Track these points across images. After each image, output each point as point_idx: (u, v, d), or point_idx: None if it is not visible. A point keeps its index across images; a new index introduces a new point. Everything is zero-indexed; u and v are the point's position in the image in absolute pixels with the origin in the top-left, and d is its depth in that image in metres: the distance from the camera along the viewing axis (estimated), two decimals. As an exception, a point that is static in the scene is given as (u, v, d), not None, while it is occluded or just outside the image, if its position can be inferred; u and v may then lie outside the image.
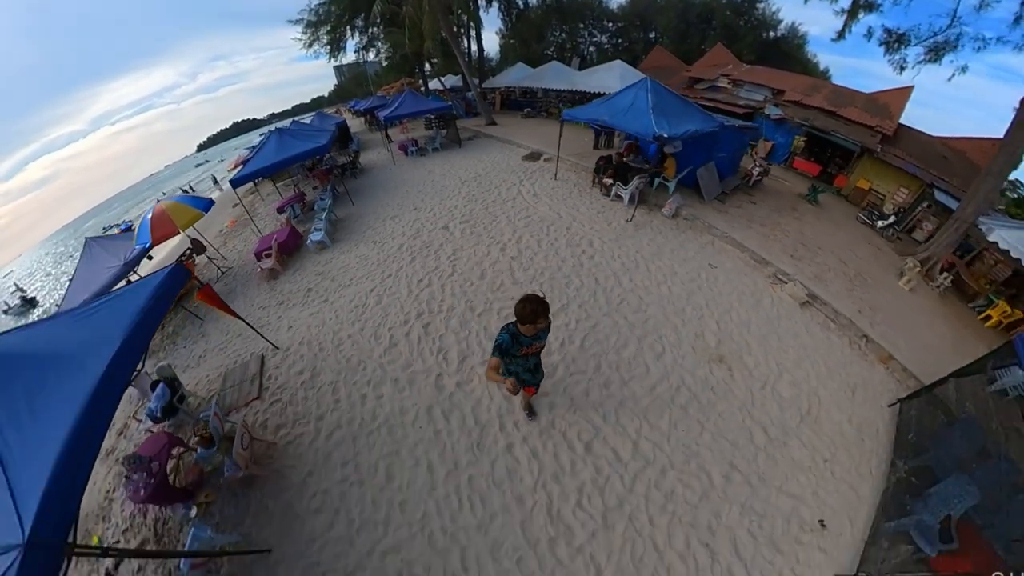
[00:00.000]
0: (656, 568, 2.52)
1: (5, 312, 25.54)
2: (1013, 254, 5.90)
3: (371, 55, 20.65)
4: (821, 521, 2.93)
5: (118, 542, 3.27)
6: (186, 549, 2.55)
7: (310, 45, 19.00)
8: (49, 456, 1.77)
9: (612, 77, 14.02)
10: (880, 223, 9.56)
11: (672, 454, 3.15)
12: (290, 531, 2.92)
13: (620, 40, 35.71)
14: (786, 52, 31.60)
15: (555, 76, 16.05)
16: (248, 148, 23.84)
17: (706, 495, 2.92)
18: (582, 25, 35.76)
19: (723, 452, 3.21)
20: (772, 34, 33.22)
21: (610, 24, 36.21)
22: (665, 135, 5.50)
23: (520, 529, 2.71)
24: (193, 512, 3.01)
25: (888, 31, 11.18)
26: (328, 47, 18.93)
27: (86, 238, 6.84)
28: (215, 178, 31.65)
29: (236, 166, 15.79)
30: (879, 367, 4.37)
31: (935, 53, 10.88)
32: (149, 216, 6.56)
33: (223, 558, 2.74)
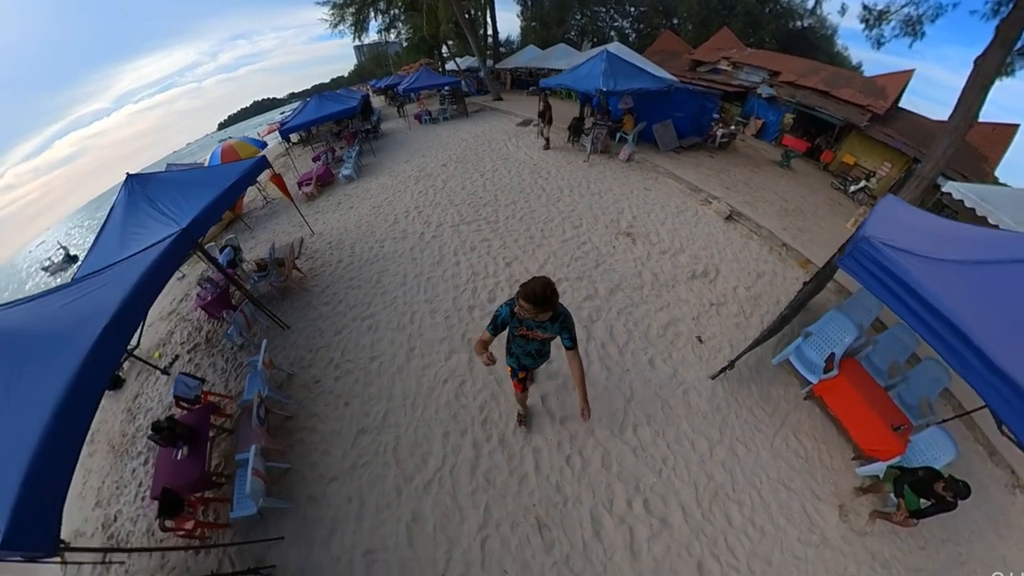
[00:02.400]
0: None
1: (45, 269, 29.45)
2: (967, 203, 6.21)
3: (392, 36, 23.37)
4: (699, 337, 4.17)
5: (177, 356, 5.43)
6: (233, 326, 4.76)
7: (336, 25, 21.79)
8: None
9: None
10: (852, 187, 10.79)
11: (569, 273, 5.34)
12: (306, 315, 5.26)
13: (642, 26, 37.35)
14: (813, 43, 32.27)
15: (560, 57, 18.25)
16: (281, 114, 27.02)
17: (591, 298, 4.83)
18: (603, 10, 37.65)
19: (612, 279, 5.11)
20: (799, 24, 33.98)
21: (632, 9, 37.84)
22: (604, 89, 7.72)
23: (452, 297, 5.07)
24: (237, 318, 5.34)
25: (867, 8, 13.03)
26: (353, 27, 21.68)
27: (168, 164, 9.54)
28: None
29: (270, 132, 18.75)
30: (797, 269, 5.60)
31: (912, 27, 12.64)
32: (219, 150, 9.28)
33: (256, 328, 5.07)
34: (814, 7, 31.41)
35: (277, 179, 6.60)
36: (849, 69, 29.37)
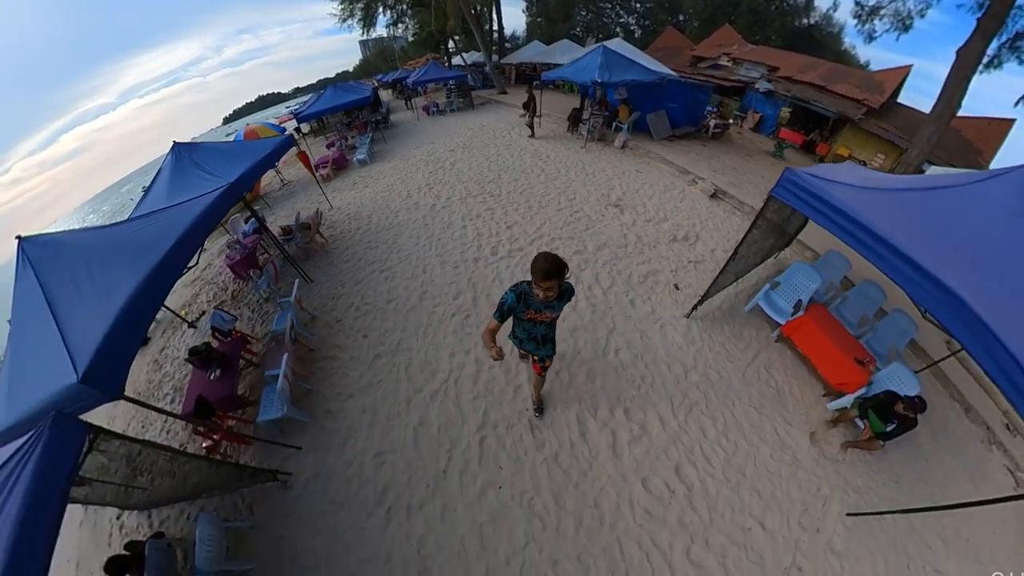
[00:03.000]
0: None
1: None
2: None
3: (400, 31, 24.15)
4: (676, 285, 4.81)
5: (204, 312, 6.08)
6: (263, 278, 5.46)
7: (345, 20, 22.58)
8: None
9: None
10: None
11: (561, 234, 5.99)
12: (327, 272, 5.92)
13: (647, 22, 37.96)
14: (819, 41, 32.66)
15: (563, 53, 18.90)
16: (287, 108, 27.95)
17: (580, 253, 5.56)
18: (609, 6, 38.29)
19: (599, 239, 5.85)
20: (805, 21, 34.41)
21: (637, 5, 38.44)
22: (599, 80, 8.38)
23: (460, 252, 5.73)
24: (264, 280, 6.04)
25: (859, 3, 13.69)
26: (362, 22, 22.47)
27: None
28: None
29: (286, 120, 19.60)
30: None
31: (902, 22, 13.29)
32: (242, 133, 9.99)
33: (282, 283, 5.69)
34: (807, 3, 31.89)
35: (303, 155, 7.32)
36: (856, 68, 29.78)
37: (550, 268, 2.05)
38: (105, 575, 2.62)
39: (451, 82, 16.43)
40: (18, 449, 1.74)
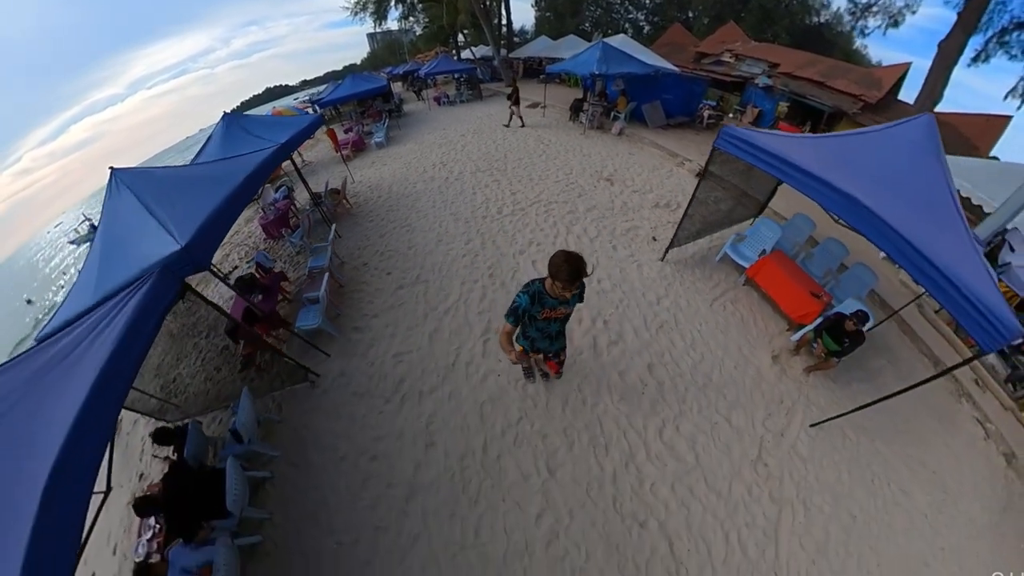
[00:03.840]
0: (536, 228, 6.43)
1: (72, 242, 29.28)
2: None
3: (410, 24, 25.27)
4: (653, 237, 5.75)
5: (236, 267, 7.12)
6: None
7: (357, 13, 23.67)
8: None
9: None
10: None
11: (556, 199, 6.97)
12: (354, 230, 6.89)
13: (657, 18, 38.79)
14: (828, 40, 33.13)
15: (570, 48, 19.89)
16: (295, 100, 29.29)
17: (572, 212, 6.56)
18: (618, 2, 39.15)
19: (589, 206, 6.78)
20: (815, 20, 34.98)
21: (647, 1, 39.24)
22: (597, 72, 9.38)
23: (470, 210, 6.73)
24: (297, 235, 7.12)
25: (852, 1, 14.68)
26: (374, 15, 23.57)
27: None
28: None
29: (305, 108, 20.79)
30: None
31: (893, 19, 14.17)
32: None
33: (313, 238, 6.75)
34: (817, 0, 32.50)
35: (331, 132, 8.42)
36: (864, 66, 30.23)
37: (576, 269, 2.01)
38: (152, 440, 3.37)
39: (461, 75, 17.51)
40: (132, 282, 2.61)
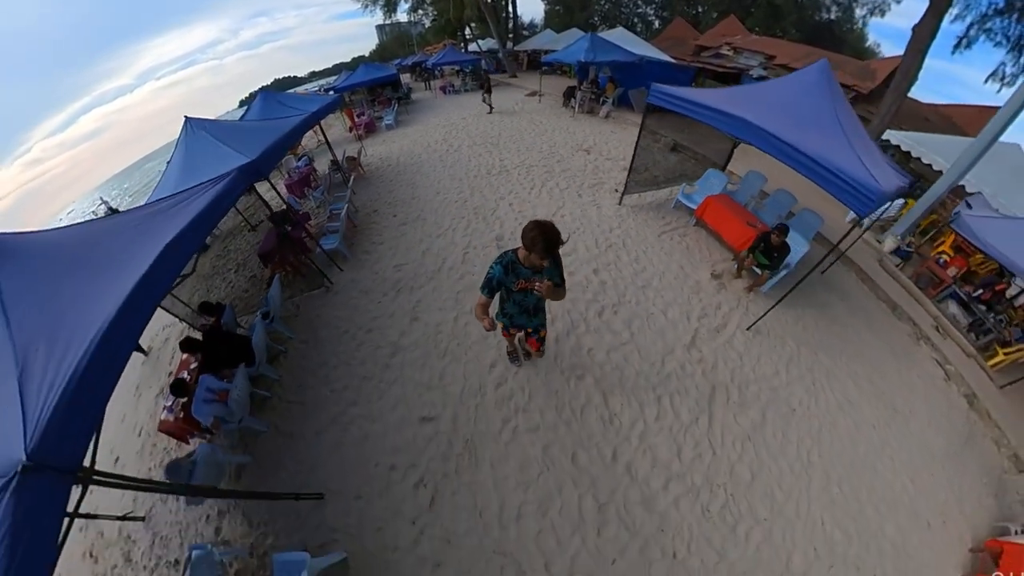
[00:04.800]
0: (516, 183, 7.93)
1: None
2: (903, 147, 8.74)
3: (419, 16, 27.06)
4: (616, 189, 7.40)
5: (261, 221, 8.97)
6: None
7: (367, 5, 25.49)
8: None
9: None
10: None
11: (537, 163, 8.42)
12: (367, 189, 8.40)
13: (666, 13, 40.02)
14: (838, 36, 33.81)
15: (571, 41, 21.43)
16: (315, 87, 31.44)
17: (548, 173, 8.01)
18: (627, -4, 40.40)
19: (564, 169, 8.19)
20: (826, 16, 35.77)
21: (656, -5, 40.39)
22: (582, 59, 10.87)
23: (465, 172, 8.25)
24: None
25: None
26: (384, 7, 25.40)
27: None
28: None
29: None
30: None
31: (879, 8, 15.35)
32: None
33: (333, 195, 8.35)
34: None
35: (348, 111, 10.04)
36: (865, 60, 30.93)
37: (550, 239, 2.03)
38: (198, 311, 4.91)
39: (466, 66, 19.17)
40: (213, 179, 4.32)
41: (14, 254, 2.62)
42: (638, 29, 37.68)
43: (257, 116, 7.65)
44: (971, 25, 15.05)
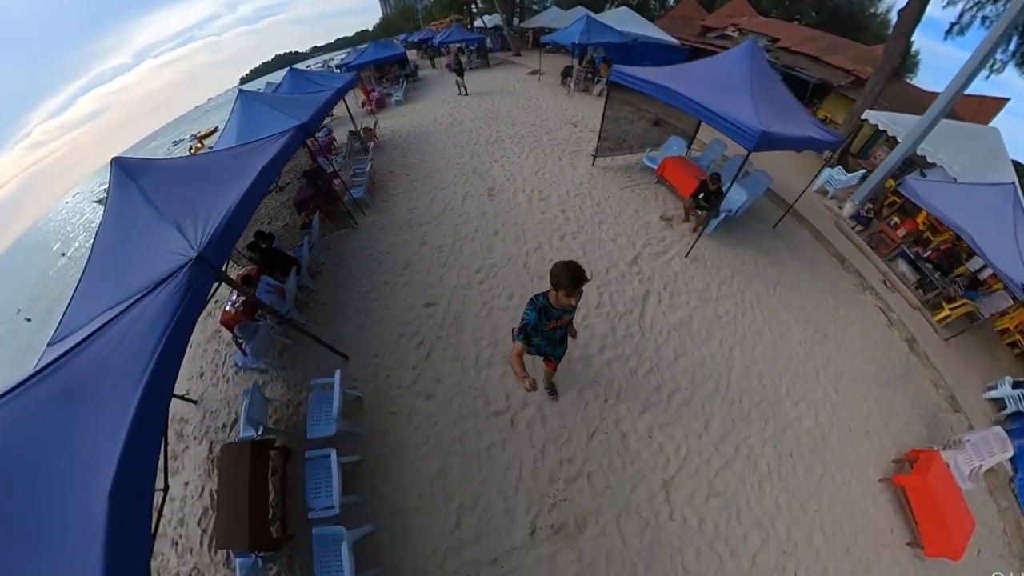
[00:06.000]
0: (507, 150, 9.55)
1: (98, 201, 32.78)
2: (880, 127, 10.01)
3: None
4: (592, 155, 9.25)
5: (289, 182, 10.70)
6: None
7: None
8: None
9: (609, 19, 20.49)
10: None
11: (527, 135, 10.06)
12: (381, 155, 10.05)
13: (682, -9, 40.54)
14: (859, 22, 34.07)
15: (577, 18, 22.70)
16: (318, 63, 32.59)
17: (537, 142, 9.65)
18: (642, -29, 40.88)
19: (552, 139, 9.83)
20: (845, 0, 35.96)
21: (673, -28, 40.86)
22: (576, 40, 12.35)
23: (466, 141, 9.91)
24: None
25: None
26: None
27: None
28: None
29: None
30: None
31: None
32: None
33: (354, 158, 10.08)
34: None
35: (363, 86, 11.69)
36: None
37: (575, 274, 2.25)
38: (254, 237, 6.80)
39: (471, 44, 20.60)
40: (278, 132, 5.99)
41: (144, 171, 3.89)
42: (651, 6, 38.29)
43: (288, 91, 9.32)
44: (963, 11, 16.00)
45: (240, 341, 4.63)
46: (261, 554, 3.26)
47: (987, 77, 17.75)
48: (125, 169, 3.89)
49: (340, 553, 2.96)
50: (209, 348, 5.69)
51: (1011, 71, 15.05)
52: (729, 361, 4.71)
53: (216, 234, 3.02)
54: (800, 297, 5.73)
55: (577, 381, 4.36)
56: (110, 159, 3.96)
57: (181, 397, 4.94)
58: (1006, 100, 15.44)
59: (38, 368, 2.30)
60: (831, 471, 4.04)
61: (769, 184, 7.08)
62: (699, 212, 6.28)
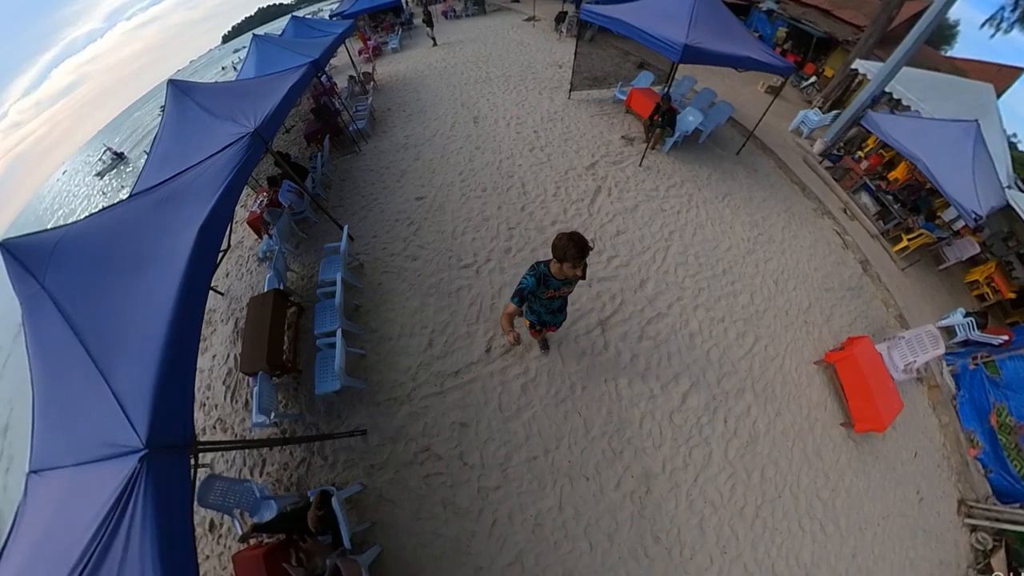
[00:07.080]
0: (495, 88, 10.74)
1: (98, 174, 33.20)
2: (868, 76, 9.34)
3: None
4: (570, 89, 10.66)
5: (294, 124, 11.96)
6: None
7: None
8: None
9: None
10: (803, 83, 14.81)
11: (513, 74, 11.26)
12: (380, 97, 11.31)
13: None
14: None
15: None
16: (312, 13, 32.99)
17: (522, 81, 10.84)
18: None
19: (537, 79, 10.99)
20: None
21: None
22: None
23: (459, 82, 11.13)
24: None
25: None
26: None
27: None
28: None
29: None
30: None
31: None
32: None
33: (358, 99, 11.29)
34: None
35: (361, 34, 12.75)
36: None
37: (580, 246, 2.34)
38: (274, 163, 8.25)
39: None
40: (289, 67, 7.32)
41: (195, 89, 5.22)
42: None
43: (292, 36, 10.47)
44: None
45: (268, 223, 6.15)
46: (275, 376, 4.42)
47: (992, 36, 17.75)
48: (180, 87, 5.33)
49: (334, 366, 3.91)
50: (232, 255, 7.11)
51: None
52: (668, 241, 5.87)
53: (265, 120, 4.46)
54: (750, 207, 6.52)
55: (531, 243, 5.93)
56: (166, 80, 5.48)
57: (211, 289, 5.36)
58: (1022, 69, 15.13)
59: (142, 188, 3.72)
60: (764, 343, 4.55)
61: (732, 113, 8.29)
62: (656, 130, 7.52)
